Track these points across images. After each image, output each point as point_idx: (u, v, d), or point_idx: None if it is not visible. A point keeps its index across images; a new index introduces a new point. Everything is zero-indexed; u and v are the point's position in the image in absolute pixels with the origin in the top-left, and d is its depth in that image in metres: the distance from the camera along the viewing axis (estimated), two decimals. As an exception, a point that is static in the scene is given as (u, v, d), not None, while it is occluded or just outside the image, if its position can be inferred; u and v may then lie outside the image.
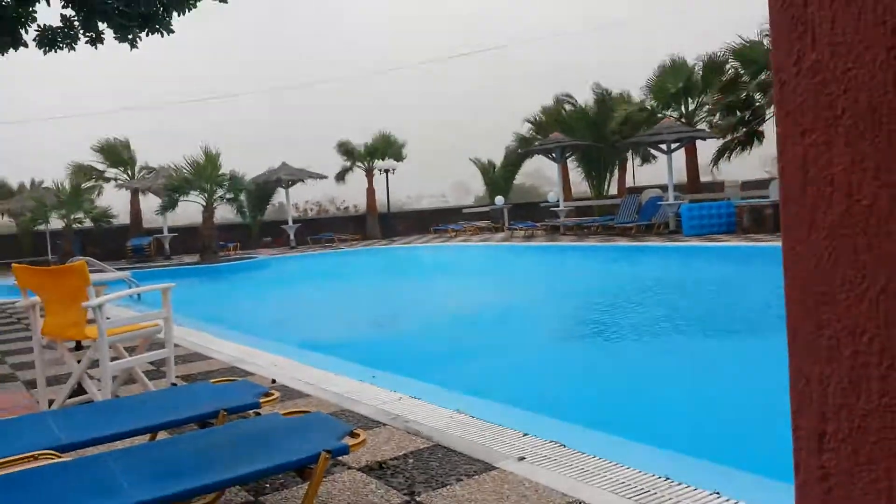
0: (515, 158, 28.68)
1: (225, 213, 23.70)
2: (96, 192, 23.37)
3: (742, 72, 20.47)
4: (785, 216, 0.76)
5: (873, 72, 0.67)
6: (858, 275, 0.68)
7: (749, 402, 5.04)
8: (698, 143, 21.47)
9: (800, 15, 0.73)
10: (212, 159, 20.12)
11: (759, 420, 4.56)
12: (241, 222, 24.72)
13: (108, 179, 25.84)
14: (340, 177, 28.26)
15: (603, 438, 3.86)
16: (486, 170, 29.82)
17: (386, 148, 27.83)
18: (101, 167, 25.72)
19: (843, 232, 0.70)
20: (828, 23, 0.71)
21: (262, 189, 25.22)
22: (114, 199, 23.07)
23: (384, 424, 4.02)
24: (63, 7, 10.71)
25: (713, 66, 21.43)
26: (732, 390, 5.43)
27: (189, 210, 21.91)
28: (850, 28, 0.69)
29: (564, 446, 3.45)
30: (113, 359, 4.53)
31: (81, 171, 24.93)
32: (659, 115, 22.35)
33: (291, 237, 24.77)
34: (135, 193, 24.48)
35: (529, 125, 28.00)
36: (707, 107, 22.00)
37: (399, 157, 27.92)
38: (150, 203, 24.82)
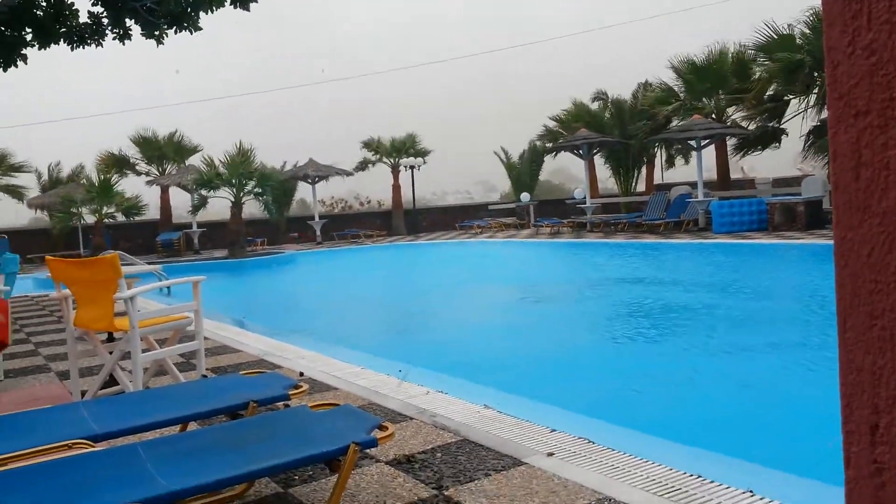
0: (540, 154, 28.54)
1: (252, 209, 23.93)
2: (120, 179, 23.62)
3: (768, 66, 20.16)
4: (837, 202, 0.74)
5: (935, 50, 0.64)
6: (915, 262, 0.66)
7: (783, 399, 4.97)
8: (729, 140, 21.21)
9: (855, -6, 0.71)
10: (245, 154, 20.32)
11: (793, 417, 4.49)
12: (267, 218, 24.93)
13: (139, 173, 26.25)
14: (362, 167, 28.22)
15: (633, 435, 3.82)
16: (511, 165, 29.74)
17: (409, 145, 27.86)
18: (134, 160, 26.15)
19: (900, 218, 0.67)
20: (886, 0, 0.68)
21: (285, 185, 25.45)
22: (144, 194, 23.41)
23: (412, 418, 4.02)
24: (93, 4, 10.89)
25: (742, 60, 21.07)
26: (765, 388, 5.35)
27: (217, 206, 22.18)
28: (910, 5, 0.66)
29: (593, 443, 3.43)
30: (144, 350, 4.59)
31: (111, 162, 25.39)
32: (693, 104, 21.97)
33: (318, 233, 24.93)
34: (165, 189, 24.82)
35: (554, 122, 27.83)
36: (733, 104, 21.66)
37: (416, 153, 27.87)
38: (179, 198, 25.16)
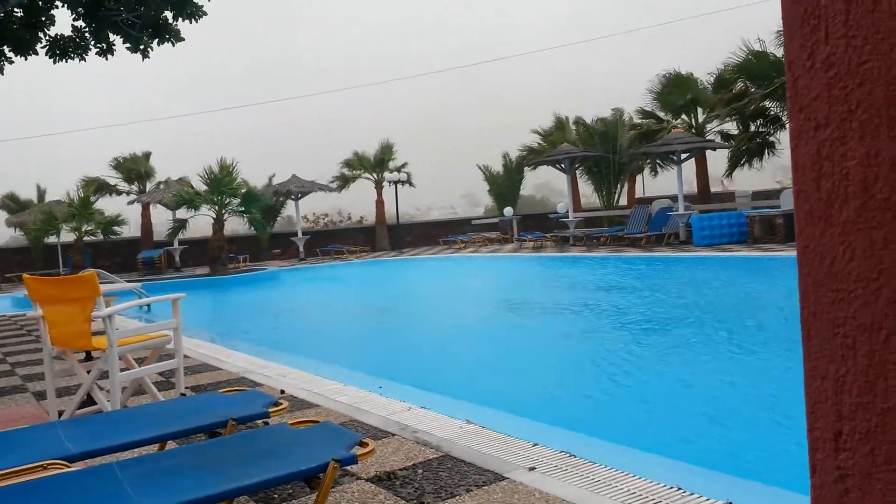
0: (520, 168, 28.68)
1: (234, 225, 23.84)
2: (100, 197, 23.39)
3: (748, 83, 20.52)
4: (799, 213, 0.75)
5: (890, 63, 0.65)
6: (874, 271, 0.67)
7: (760, 410, 4.99)
8: (708, 153, 21.47)
9: (813, 9, 0.72)
10: (227, 169, 20.23)
11: (771, 429, 4.51)
12: (250, 234, 24.82)
13: (120, 192, 26.02)
14: (343, 186, 28.18)
15: (613, 448, 3.82)
16: (493, 178, 29.88)
17: (388, 157, 27.85)
18: (114, 181, 25.93)
19: (860, 227, 0.68)
20: (842, 15, 0.69)
21: (271, 202, 25.37)
22: (125, 213, 23.24)
23: (393, 434, 4.00)
24: (74, 19, 10.82)
25: (721, 79, 21.47)
26: (743, 399, 5.38)
27: (199, 222, 22.08)
28: (864, 20, 0.67)
29: (575, 456, 3.42)
30: (122, 369, 4.53)
31: (93, 185, 25.13)
32: (671, 124, 22.36)
33: (301, 249, 24.83)
34: (146, 207, 24.63)
35: (537, 136, 28.02)
36: (714, 115, 22.07)
37: (396, 168, 27.89)
38: (160, 216, 24.99)
